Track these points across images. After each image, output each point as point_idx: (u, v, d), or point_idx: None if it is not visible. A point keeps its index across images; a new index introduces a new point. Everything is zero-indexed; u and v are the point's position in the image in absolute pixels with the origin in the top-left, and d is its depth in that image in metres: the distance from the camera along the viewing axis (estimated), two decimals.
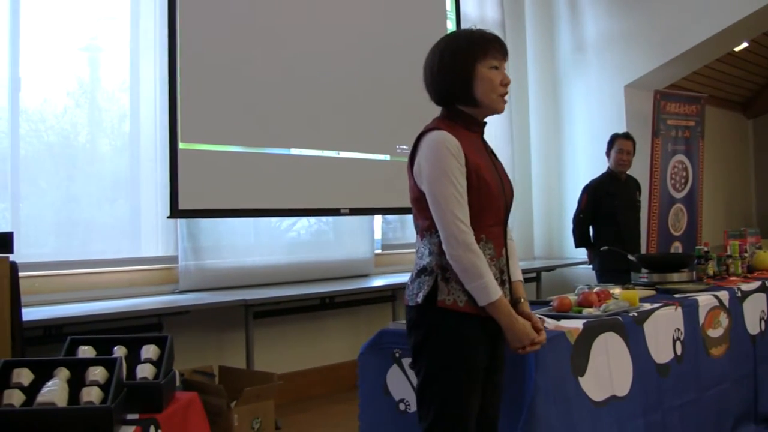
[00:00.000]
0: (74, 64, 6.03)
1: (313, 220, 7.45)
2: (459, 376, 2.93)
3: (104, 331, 5.20)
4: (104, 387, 3.43)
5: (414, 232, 3.15)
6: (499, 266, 3.05)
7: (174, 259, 6.40)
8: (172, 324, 5.79)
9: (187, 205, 6.20)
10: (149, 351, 3.98)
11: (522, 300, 3.18)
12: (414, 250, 3.15)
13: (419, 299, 2.95)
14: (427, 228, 2.99)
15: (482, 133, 3.16)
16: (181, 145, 6.19)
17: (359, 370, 3.93)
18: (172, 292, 6.31)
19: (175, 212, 6.18)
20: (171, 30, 6.18)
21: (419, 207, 3.02)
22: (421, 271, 3.00)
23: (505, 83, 3.06)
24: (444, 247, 2.90)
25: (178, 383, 4.40)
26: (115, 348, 3.96)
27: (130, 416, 3.52)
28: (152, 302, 5.75)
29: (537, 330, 3.06)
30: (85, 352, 3.90)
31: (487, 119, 3.15)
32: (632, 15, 9.24)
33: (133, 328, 5.51)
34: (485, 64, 3.01)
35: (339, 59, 7.26)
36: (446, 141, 2.92)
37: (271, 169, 6.78)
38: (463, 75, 3.00)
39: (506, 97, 3.10)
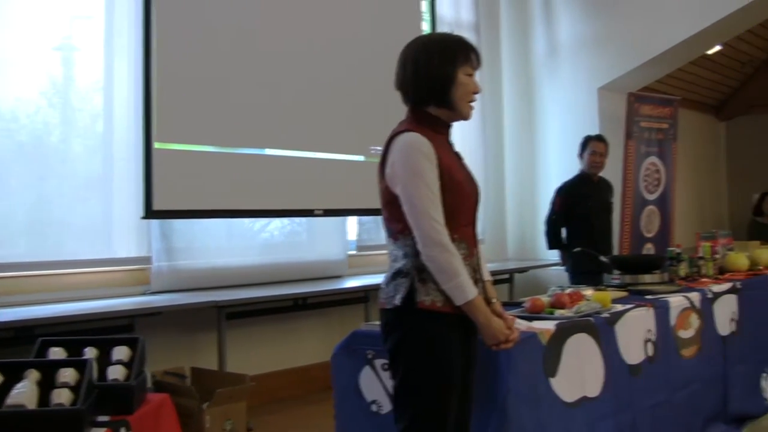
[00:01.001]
0: (48, 64, 5.99)
1: (286, 221, 7.44)
2: (438, 377, 2.95)
3: (75, 332, 5.16)
4: (75, 389, 3.42)
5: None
6: (473, 265, 3.08)
7: (147, 260, 6.37)
8: (144, 325, 5.76)
9: (161, 206, 6.18)
10: (121, 352, 3.97)
11: (494, 300, 3.20)
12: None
13: (397, 301, 2.96)
14: (400, 230, 3.00)
15: (449, 135, 3.17)
16: (156, 145, 6.17)
17: (332, 372, 3.92)
18: (145, 293, 6.28)
19: (149, 213, 6.16)
20: (146, 30, 6.16)
21: (391, 210, 3.03)
22: (397, 274, 3.00)
23: (476, 92, 3.13)
24: (419, 247, 2.91)
25: (149, 385, 4.40)
26: (86, 349, 3.95)
27: (101, 418, 3.51)
28: (124, 303, 5.71)
29: (510, 328, 3.09)
30: (56, 353, 3.89)
31: (453, 122, 3.19)
32: (606, 18, 9.29)
33: (104, 330, 5.47)
34: (463, 71, 3.07)
35: (314, 60, 7.25)
36: (419, 143, 2.94)
37: (245, 169, 6.77)
38: (445, 78, 3.04)
39: (477, 103, 3.16)
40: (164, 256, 6.41)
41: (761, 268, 6.58)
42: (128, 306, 5.61)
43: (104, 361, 3.92)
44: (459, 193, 3.01)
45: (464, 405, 3.14)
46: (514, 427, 3.38)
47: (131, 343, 4.04)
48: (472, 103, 3.14)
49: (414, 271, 2.95)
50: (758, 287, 6.10)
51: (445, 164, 2.98)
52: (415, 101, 3.11)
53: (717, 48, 10.23)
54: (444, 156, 3.00)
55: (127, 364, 3.91)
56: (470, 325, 3.00)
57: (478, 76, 3.17)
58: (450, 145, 3.17)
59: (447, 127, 3.17)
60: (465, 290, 2.91)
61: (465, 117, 3.15)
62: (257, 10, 6.88)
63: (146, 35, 6.15)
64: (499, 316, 3.12)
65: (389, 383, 3.08)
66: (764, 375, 5.94)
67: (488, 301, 3.14)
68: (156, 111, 6.15)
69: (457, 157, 3.18)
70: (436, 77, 3.04)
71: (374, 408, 3.77)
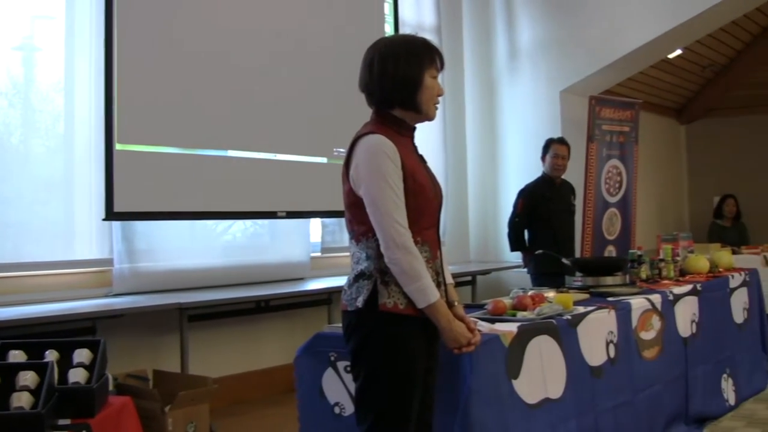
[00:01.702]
0: (8, 64, 5.92)
1: (249, 222, 7.40)
2: (400, 379, 2.96)
3: (36, 335, 5.11)
4: (35, 392, 3.39)
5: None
6: (435, 268, 3.09)
7: (108, 262, 6.32)
8: (106, 327, 5.73)
9: (122, 208, 6.13)
10: (82, 355, 3.95)
11: (455, 303, 3.21)
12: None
13: (359, 303, 2.96)
14: (363, 233, 3.00)
15: (413, 137, 3.18)
16: (117, 146, 6.12)
17: (295, 374, 3.93)
18: (106, 296, 6.22)
19: (111, 214, 6.11)
20: (107, 30, 6.11)
21: (355, 212, 3.03)
22: (359, 276, 3.01)
23: (440, 94, 3.16)
24: (383, 250, 2.91)
25: (111, 387, 4.37)
26: (47, 352, 3.92)
27: (62, 421, 3.48)
28: (86, 306, 5.67)
29: (471, 331, 3.10)
30: (16, 356, 3.86)
31: (417, 125, 3.20)
32: (568, 21, 9.34)
33: (65, 332, 5.41)
34: (429, 73, 3.09)
35: (277, 61, 7.24)
36: (383, 145, 2.95)
37: (208, 171, 6.74)
38: (412, 81, 3.06)
39: (439, 105, 3.19)
40: (126, 258, 6.36)
41: (721, 270, 6.66)
42: (90, 308, 5.57)
43: (65, 363, 3.89)
44: (422, 196, 3.02)
45: (426, 407, 3.14)
46: (476, 428, 3.40)
47: (92, 346, 4.02)
48: (437, 105, 3.16)
49: (377, 274, 2.96)
50: (718, 289, 6.18)
51: (409, 167, 2.98)
52: (380, 103, 3.11)
53: (678, 52, 10.31)
54: (408, 159, 3.01)
55: (89, 367, 3.88)
56: (432, 327, 3.01)
57: (440, 79, 3.19)
58: (414, 148, 3.18)
59: (411, 130, 3.18)
60: (427, 293, 2.92)
61: (430, 118, 3.18)
62: (220, 12, 6.85)
63: (108, 36, 6.11)
64: (461, 319, 3.14)
65: (352, 385, 3.08)
66: (725, 376, 6.00)
67: (450, 304, 3.15)
68: (117, 112, 6.11)
69: (421, 159, 3.19)
70: (403, 80, 3.04)
71: (337, 410, 3.78)
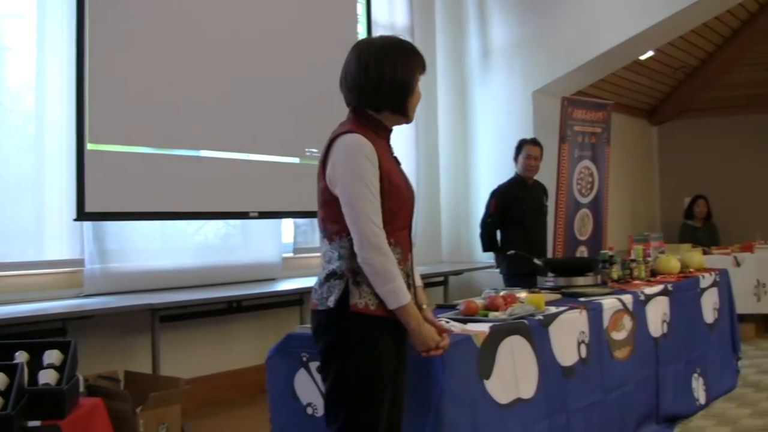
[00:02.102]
0: None
1: (221, 223, 7.37)
2: (370, 380, 2.95)
3: (6, 336, 5.06)
4: (4, 393, 3.37)
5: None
6: (406, 270, 3.09)
7: (79, 262, 6.28)
8: (77, 328, 5.69)
9: (94, 208, 6.09)
10: (52, 356, 3.93)
11: (424, 305, 3.22)
12: None
13: (330, 303, 2.96)
14: (337, 232, 3.00)
15: (389, 139, 3.18)
16: (89, 146, 6.08)
17: (267, 375, 3.92)
18: (77, 296, 6.18)
19: (82, 215, 6.07)
20: (79, 29, 6.07)
21: (329, 210, 3.02)
22: (331, 275, 3.00)
23: (420, 98, 3.20)
24: (356, 249, 2.91)
25: (82, 389, 4.35)
26: (17, 353, 3.90)
27: (32, 423, 3.47)
28: (56, 306, 5.63)
29: (440, 334, 3.10)
30: None
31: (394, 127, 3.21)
32: (540, 22, 9.37)
33: (36, 333, 5.37)
34: (418, 79, 3.14)
35: (249, 61, 7.22)
36: (362, 144, 2.95)
37: (179, 171, 6.71)
38: (408, 86, 3.09)
39: None
40: (97, 259, 6.33)
41: (692, 270, 6.69)
42: (60, 309, 5.53)
43: (35, 365, 3.87)
44: (397, 198, 3.03)
45: (396, 408, 3.14)
46: (448, 428, 3.41)
47: (63, 347, 4.00)
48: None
49: (349, 274, 2.95)
50: (689, 289, 6.22)
51: (386, 168, 2.99)
52: (369, 105, 3.10)
53: (650, 54, 10.36)
54: (385, 160, 3.01)
55: (59, 368, 3.86)
56: (402, 329, 3.01)
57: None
58: (390, 150, 3.19)
59: (388, 131, 3.18)
60: (399, 295, 2.92)
61: (409, 122, 3.22)
62: (192, 12, 6.82)
63: (79, 35, 6.07)
64: (430, 322, 3.13)
65: (325, 386, 3.07)
66: (695, 375, 6.04)
67: (419, 307, 3.14)
68: (89, 111, 6.07)
69: (396, 161, 3.19)
70: (400, 85, 3.06)
71: (309, 411, 3.78)
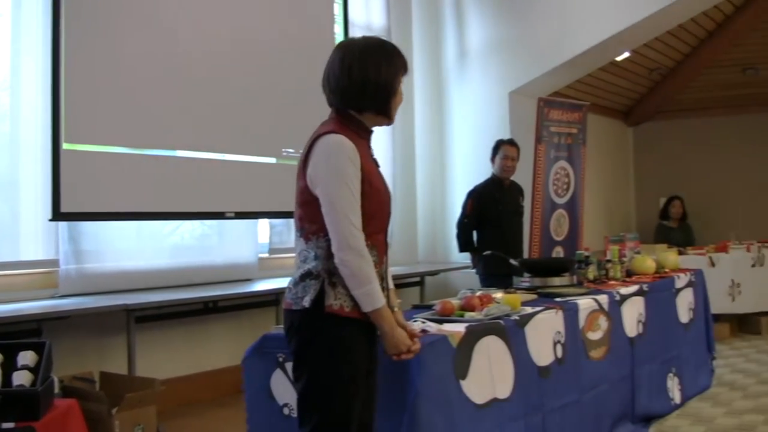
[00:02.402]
0: None
1: (197, 223, 7.35)
2: (342, 381, 2.95)
3: None
4: None
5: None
6: (381, 273, 3.09)
7: (54, 263, 6.25)
8: (52, 329, 5.66)
9: (69, 208, 6.06)
10: (26, 357, 3.91)
11: (396, 308, 3.22)
12: None
13: (306, 303, 2.95)
14: (314, 231, 2.99)
15: (370, 140, 3.18)
16: (65, 146, 6.05)
17: (244, 375, 3.93)
18: (52, 297, 6.15)
19: (57, 215, 6.04)
20: (55, 28, 6.03)
21: (308, 210, 3.02)
22: (306, 275, 3.00)
23: (402, 99, 3.22)
24: (334, 250, 2.91)
25: (57, 390, 4.33)
26: None
27: (6, 425, 3.45)
28: (31, 307, 5.59)
29: (412, 338, 3.10)
30: None
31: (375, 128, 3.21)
32: (517, 23, 9.40)
33: (11, 334, 5.34)
34: (400, 80, 3.16)
35: (226, 61, 7.20)
36: (344, 145, 2.95)
37: (156, 171, 6.69)
38: (392, 88, 3.11)
39: None
40: (73, 259, 6.29)
41: (667, 270, 6.73)
42: (35, 310, 5.49)
43: (9, 366, 3.85)
44: (376, 200, 3.03)
45: (367, 409, 3.14)
46: (424, 428, 3.41)
47: (38, 348, 3.98)
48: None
49: (325, 274, 2.95)
50: (664, 289, 6.24)
51: (367, 170, 3.00)
52: (353, 106, 3.10)
53: (626, 55, 10.40)
54: (366, 161, 3.02)
55: (34, 369, 3.85)
56: (375, 330, 3.02)
57: None
58: (371, 151, 3.19)
59: (370, 133, 3.18)
60: (374, 298, 2.92)
61: (391, 122, 3.23)
62: (168, 11, 6.80)
63: (55, 34, 6.02)
64: (402, 326, 3.14)
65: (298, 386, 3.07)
66: (670, 375, 6.07)
67: (390, 309, 3.15)
68: (65, 111, 6.04)
69: (376, 163, 3.19)
70: (384, 86, 3.08)
71: (286, 411, 3.78)
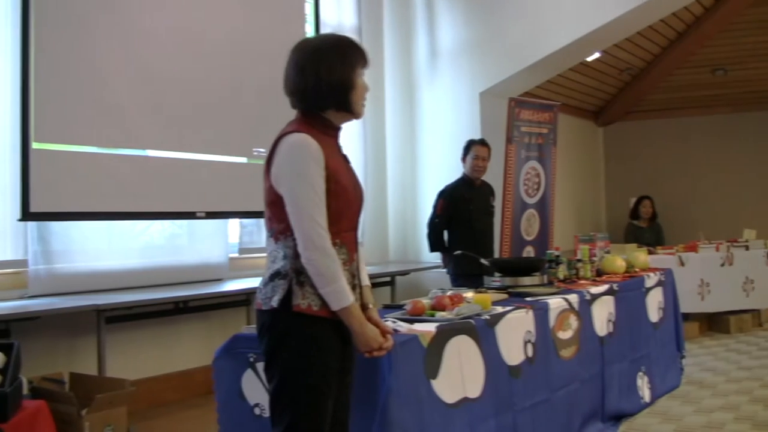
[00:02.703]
0: None
1: (167, 223, 7.31)
2: (314, 380, 2.95)
3: None
4: None
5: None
6: (351, 271, 3.09)
7: (23, 263, 6.20)
8: (21, 330, 5.63)
9: (38, 208, 6.02)
10: None
11: (370, 306, 3.22)
12: None
13: (274, 303, 2.95)
14: (282, 231, 2.99)
15: (338, 137, 3.17)
16: (34, 145, 6.01)
17: (214, 375, 3.92)
18: (21, 297, 6.10)
19: (26, 215, 5.99)
20: (24, 27, 5.99)
21: (274, 210, 3.02)
22: (275, 275, 3.00)
23: (368, 90, 3.19)
24: (300, 250, 2.90)
25: (26, 391, 4.30)
26: None
27: None
28: (0, 308, 5.56)
29: (384, 335, 3.10)
30: None
31: (343, 124, 3.20)
32: (488, 23, 9.42)
33: None
34: (359, 73, 3.11)
35: (196, 60, 7.18)
36: (307, 144, 2.94)
37: (126, 170, 6.65)
38: (347, 84, 3.08)
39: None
40: (42, 259, 6.25)
41: (637, 270, 6.75)
42: (4, 310, 5.45)
43: None
44: (344, 199, 3.03)
45: (341, 410, 3.14)
46: (395, 428, 3.42)
47: (6, 349, 3.96)
48: (364, 103, 3.18)
49: (292, 273, 2.95)
50: (634, 289, 6.28)
51: (333, 168, 2.99)
52: (312, 106, 3.10)
53: (596, 55, 10.45)
54: (332, 159, 3.01)
55: (2, 371, 3.83)
56: (347, 329, 3.01)
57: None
58: (339, 148, 3.18)
59: (337, 130, 3.18)
60: (341, 296, 2.92)
61: (359, 117, 3.21)
62: (138, 11, 6.76)
63: (24, 32, 5.98)
64: (375, 323, 3.13)
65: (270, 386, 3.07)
66: (640, 374, 6.10)
67: (365, 307, 3.17)
68: (34, 110, 6.00)
69: (345, 160, 3.19)
70: (338, 84, 3.06)
71: (257, 411, 3.78)
